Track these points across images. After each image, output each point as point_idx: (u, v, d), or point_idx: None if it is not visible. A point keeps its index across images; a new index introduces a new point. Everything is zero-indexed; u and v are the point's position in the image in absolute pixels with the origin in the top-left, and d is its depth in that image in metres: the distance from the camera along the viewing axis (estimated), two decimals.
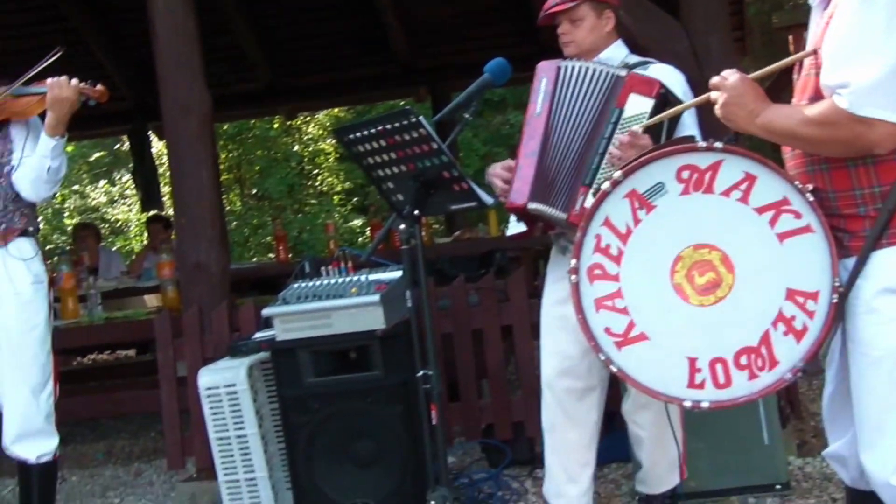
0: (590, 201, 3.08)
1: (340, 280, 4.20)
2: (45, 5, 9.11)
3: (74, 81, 3.84)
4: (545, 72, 3.42)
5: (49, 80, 3.83)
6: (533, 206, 3.32)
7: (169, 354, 4.92)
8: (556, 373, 3.52)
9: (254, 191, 19.11)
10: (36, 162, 3.89)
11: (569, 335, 3.37)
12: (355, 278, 4.18)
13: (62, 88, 3.81)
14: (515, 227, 3.59)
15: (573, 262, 2.66)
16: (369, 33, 9.66)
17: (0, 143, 3.97)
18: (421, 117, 3.16)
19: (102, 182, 20.66)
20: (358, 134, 3.32)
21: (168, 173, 16.37)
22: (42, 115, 3.92)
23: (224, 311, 4.89)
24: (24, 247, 3.97)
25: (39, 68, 3.90)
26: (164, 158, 16.48)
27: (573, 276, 2.65)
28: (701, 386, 2.53)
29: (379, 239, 3.52)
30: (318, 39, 9.85)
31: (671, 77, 3.42)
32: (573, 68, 3.36)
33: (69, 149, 15.85)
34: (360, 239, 16.53)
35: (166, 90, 5.12)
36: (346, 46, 9.96)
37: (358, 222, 17.71)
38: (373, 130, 3.27)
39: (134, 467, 5.63)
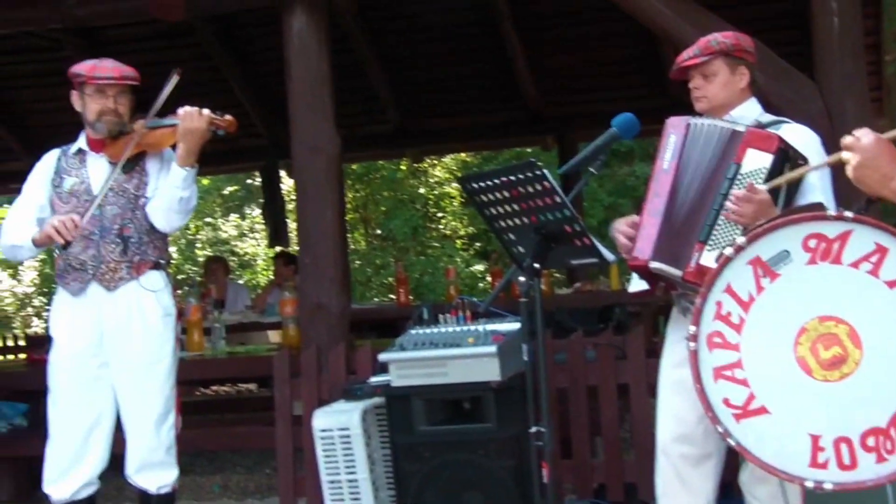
0: (705, 258, 3.02)
1: (458, 329, 4.18)
2: (190, 44, 9.43)
3: (205, 112, 3.88)
4: (674, 128, 3.36)
5: (181, 111, 3.89)
6: (655, 265, 3.26)
7: (286, 393, 4.98)
8: (671, 437, 3.43)
9: (378, 231, 19.34)
10: (168, 192, 3.94)
11: (686, 400, 3.27)
12: (473, 328, 4.16)
13: (193, 119, 3.86)
14: (637, 283, 3.52)
15: (692, 328, 2.60)
16: (499, 79, 9.71)
17: (136, 175, 4.05)
18: (545, 170, 3.14)
19: (234, 216, 21.19)
20: (482, 183, 3.33)
21: (296, 210, 16.61)
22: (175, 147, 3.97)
23: (341, 353, 4.93)
24: (155, 279, 4.04)
25: (165, 95, 3.94)
26: (294, 195, 16.89)
27: (692, 344, 2.59)
28: (824, 466, 2.43)
29: (498, 290, 3.53)
30: (448, 83, 9.94)
31: (805, 137, 3.32)
32: (703, 125, 3.30)
33: (204, 182, 16.40)
34: (480, 284, 16.55)
35: (297, 130, 5.23)
36: (476, 91, 10.02)
37: (479, 268, 17.74)
38: (497, 181, 3.27)
39: (247, 503, 5.68)
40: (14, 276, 21.94)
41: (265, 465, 6.35)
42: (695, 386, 2.58)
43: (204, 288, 8.00)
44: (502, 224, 3.37)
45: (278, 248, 11.24)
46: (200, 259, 18.82)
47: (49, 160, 4.14)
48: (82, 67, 3.99)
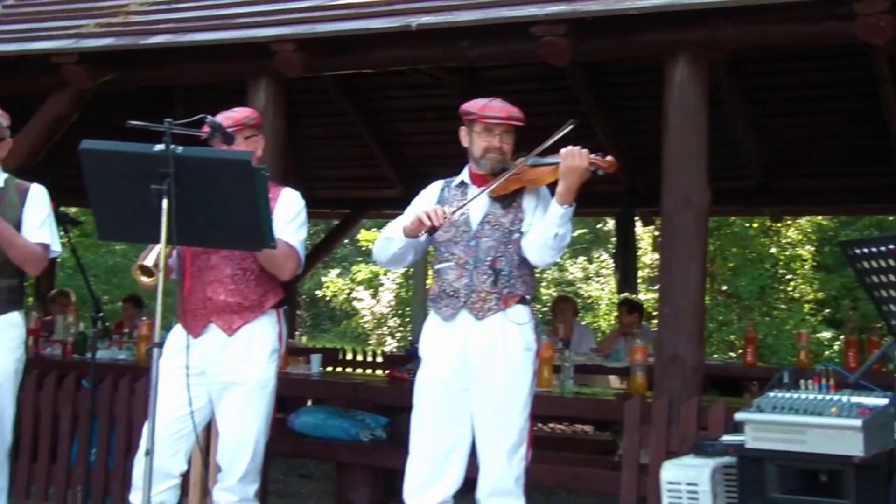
0: None
1: (820, 397, 4.05)
2: (561, 87, 9.72)
3: (585, 152, 3.97)
4: None
5: (563, 150, 3.98)
6: None
7: (635, 440, 5.00)
8: None
9: (724, 287, 18.95)
10: (545, 229, 4.04)
11: None
12: (836, 397, 4.02)
13: (575, 158, 3.95)
14: None
15: None
16: (872, 143, 9.29)
17: (512, 210, 4.20)
18: None
19: (581, 258, 21.50)
20: (865, 250, 3.24)
21: (643, 258, 16.69)
22: (552, 185, 4.08)
23: (694, 407, 4.89)
24: (520, 313, 4.15)
25: (554, 140, 4.05)
26: (642, 244, 16.96)
27: None
28: None
29: (872, 361, 3.43)
30: (816, 142, 9.64)
31: None
32: None
33: None
34: (826, 352, 15.83)
35: (669, 181, 5.24)
36: (845, 153, 9.64)
37: (826, 335, 16.97)
38: (882, 248, 3.17)
39: None
40: (374, 295, 23.40)
41: None
42: None
43: (552, 326, 8.17)
44: (883, 294, 3.25)
45: (624, 295, 11.28)
46: (545, 298, 19.24)
47: (434, 189, 4.39)
48: (474, 106, 4.21)
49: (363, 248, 24.21)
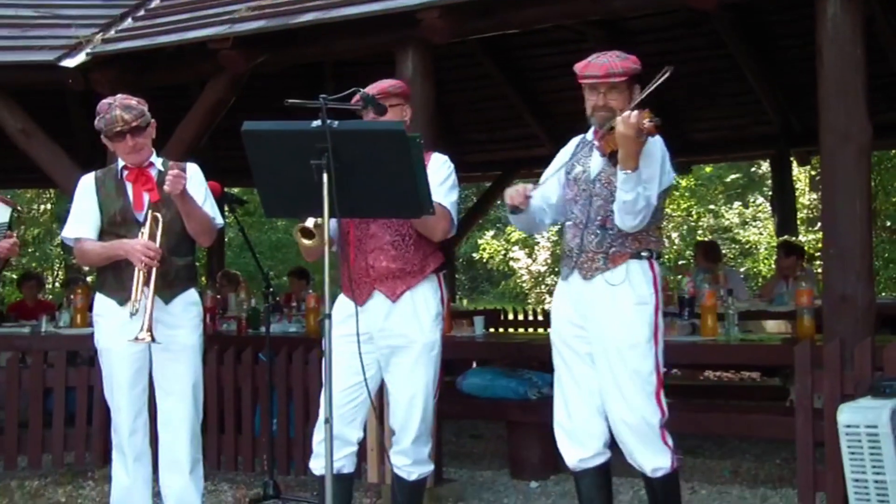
0: None
1: None
2: (706, 32, 9.55)
3: (633, 118, 3.80)
4: None
5: (617, 118, 3.87)
6: None
7: (807, 385, 4.90)
8: None
9: (888, 223, 18.27)
10: (617, 194, 3.96)
11: None
12: None
13: (622, 126, 3.83)
14: None
15: None
16: None
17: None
18: None
19: (737, 203, 21.05)
20: None
21: (800, 199, 16.21)
22: None
23: (868, 348, 4.76)
24: (630, 270, 4.08)
25: (651, 89, 3.91)
26: (798, 185, 16.49)
27: None
28: None
29: None
30: None
31: None
32: None
33: (707, 170, 16.51)
34: None
35: (826, 118, 5.09)
36: None
37: None
38: None
39: (760, 491, 5.67)
40: (530, 255, 23.45)
41: (775, 455, 6.29)
42: None
43: (713, 274, 8.08)
44: None
45: (782, 238, 11.03)
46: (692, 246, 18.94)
47: (570, 145, 4.38)
48: (577, 66, 4.15)
49: None
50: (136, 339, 4.41)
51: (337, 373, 4.01)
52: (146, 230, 4.59)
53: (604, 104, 4.06)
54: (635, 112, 3.81)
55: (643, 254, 4.10)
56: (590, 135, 4.26)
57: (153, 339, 4.43)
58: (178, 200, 4.55)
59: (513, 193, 4.12)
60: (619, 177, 3.91)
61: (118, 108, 4.56)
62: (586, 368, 4.16)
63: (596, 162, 4.16)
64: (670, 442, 4.10)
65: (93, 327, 4.91)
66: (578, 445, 4.22)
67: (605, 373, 4.09)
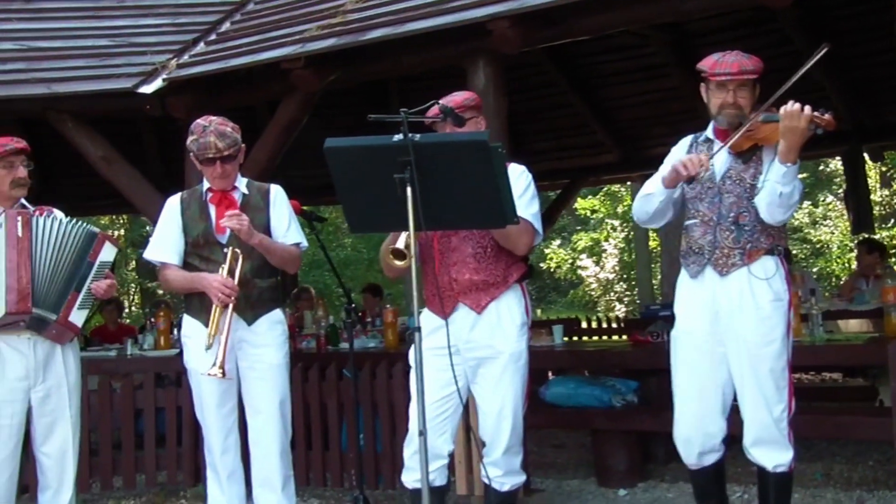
0: None
1: None
2: (772, 30, 9.44)
3: (807, 110, 3.88)
4: None
5: (783, 110, 3.90)
6: None
7: None
8: None
9: None
10: (770, 187, 3.99)
11: None
12: None
13: (793, 118, 3.87)
14: None
15: None
16: None
17: (753, 165, 4.15)
18: None
19: (806, 203, 20.78)
20: None
21: (872, 196, 15.93)
22: None
23: None
24: (766, 266, 4.10)
25: (807, 67, 3.96)
26: (869, 181, 16.16)
27: None
28: None
29: None
30: None
31: None
32: None
33: None
34: None
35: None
36: None
37: None
38: None
39: (856, 494, 5.55)
40: (597, 262, 23.35)
41: (867, 457, 6.18)
42: None
43: (793, 275, 7.95)
44: None
45: (862, 236, 10.84)
46: None
47: (683, 144, 4.40)
48: (706, 63, 4.16)
49: (581, 217, 24.16)
50: (208, 373, 4.50)
51: (428, 385, 4.01)
52: (226, 266, 4.65)
53: (734, 101, 4.12)
54: (807, 106, 3.88)
55: (777, 248, 4.15)
56: (710, 132, 4.29)
57: (224, 375, 4.49)
58: (252, 244, 4.62)
59: (690, 161, 4.06)
60: (775, 170, 3.97)
61: (213, 133, 4.61)
62: (715, 366, 4.18)
63: (720, 159, 4.19)
64: (793, 440, 4.14)
65: (176, 349, 4.97)
66: (699, 444, 4.26)
67: (742, 369, 4.11)
